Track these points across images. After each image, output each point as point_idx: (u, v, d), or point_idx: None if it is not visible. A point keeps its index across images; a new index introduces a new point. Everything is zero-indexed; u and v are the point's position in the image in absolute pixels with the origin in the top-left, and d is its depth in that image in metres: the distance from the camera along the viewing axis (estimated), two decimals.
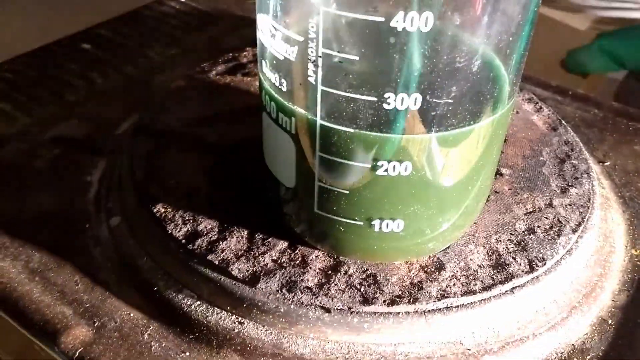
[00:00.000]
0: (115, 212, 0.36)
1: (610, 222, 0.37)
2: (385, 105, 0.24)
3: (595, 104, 0.48)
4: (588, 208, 0.35)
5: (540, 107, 0.43)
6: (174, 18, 0.57)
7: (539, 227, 0.33)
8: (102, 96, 0.47)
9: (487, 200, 0.35)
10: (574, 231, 0.33)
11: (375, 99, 0.24)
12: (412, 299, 0.29)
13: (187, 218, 0.33)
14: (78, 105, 0.46)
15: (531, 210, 0.34)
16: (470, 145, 0.27)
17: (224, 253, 0.31)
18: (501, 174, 0.37)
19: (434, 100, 0.24)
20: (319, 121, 0.26)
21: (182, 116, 0.40)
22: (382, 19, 0.22)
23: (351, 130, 0.25)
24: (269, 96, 0.28)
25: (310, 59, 0.24)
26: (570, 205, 0.35)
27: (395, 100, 0.24)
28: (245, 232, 0.32)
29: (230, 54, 0.46)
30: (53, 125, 0.44)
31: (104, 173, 0.39)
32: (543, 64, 0.82)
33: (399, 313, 0.29)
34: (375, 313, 0.29)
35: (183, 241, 0.32)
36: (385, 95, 0.24)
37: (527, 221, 0.34)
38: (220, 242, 0.31)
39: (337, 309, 0.29)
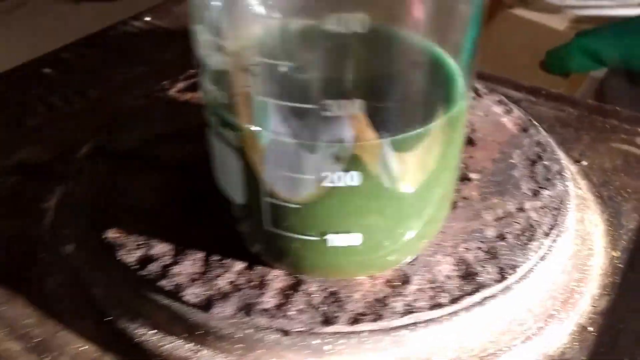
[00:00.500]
0: (70, 239, 0.34)
1: (588, 223, 0.36)
2: (324, 113, 0.23)
3: (570, 102, 0.47)
4: (561, 210, 0.33)
5: (510, 109, 0.41)
6: (138, 37, 0.56)
7: (509, 232, 0.32)
8: (63, 120, 0.45)
9: (455, 207, 0.33)
10: (547, 235, 0.32)
11: (314, 106, 0.23)
12: (375, 316, 0.28)
13: (140, 242, 0.31)
14: (38, 131, 0.45)
15: (501, 215, 0.33)
16: (423, 149, 0.25)
17: (177, 277, 0.29)
18: (469, 179, 0.35)
19: (377, 104, 0.23)
20: (259, 133, 0.24)
21: (140, 136, 0.39)
22: (314, 22, 0.21)
23: (293, 141, 0.24)
24: (210, 110, 0.26)
25: (245, 69, 0.23)
26: (542, 208, 0.33)
27: (335, 107, 0.23)
28: (201, 254, 0.31)
29: (191, 71, 0.45)
30: (11, 152, 0.42)
31: (61, 199, 0.38)
32: (522, 66, 0.81)
33: (362, 332, 0.27)
34: (336, 333, 0.27)
35: (135, 267, 0.30)
36: (324, 103, 0.22)
37: (497, 227, 0.32)
38: (174, 266, 0.30)
39: (296, 331, 0.27)
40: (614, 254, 0.35)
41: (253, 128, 0.24)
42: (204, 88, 0.26)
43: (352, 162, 0.24)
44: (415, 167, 0.26)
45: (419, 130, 0.24)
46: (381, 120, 0.23)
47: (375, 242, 0.27)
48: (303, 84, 0.23)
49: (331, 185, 0.25)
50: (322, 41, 0.21)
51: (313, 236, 0.27)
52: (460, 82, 0.25)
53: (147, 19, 0.59)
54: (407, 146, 0.25)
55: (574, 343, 0.30)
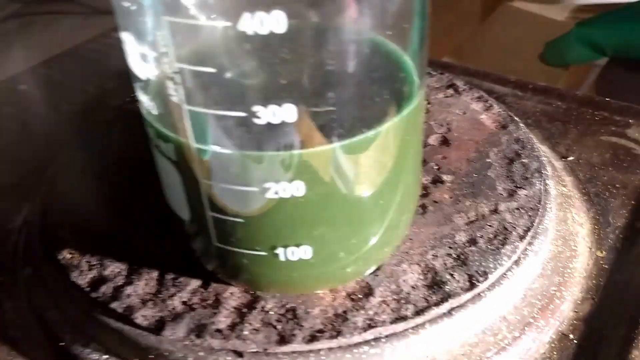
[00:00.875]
0: (28, 261, 0.33)
1: (572, 223, 0.34)
2: (256, 121, 0.21)
3: (557, 95, 0.45)
4: (538, 210, 0.31)
5: (490, 105, 0.39)
6: (118, 50, 0.55)
7: (481, 237, 0.30)
8: (35, 138, 0.44)
9: (425, 212, 0.31)
10: (522, 238, 0.30)
11: (244, 114, 0.21)
12: (334, 333, 0.26)
13: (93, 263, 0.30)
14: (9, 150, 0.43)
15: (474, 219, 0.31)
16: (374, 153, 0.24)
17: (129, 299, 0.28)
18: (442, 182, 0.33)
19: (311, 109, 0.21)
20: (193, 145, 0.23)
21: (104, 152, 0.38)
22: (229, 24, 0.19)
23: (227, 151, 0.22)
24: (146, 122, 0.25)
25: (168, 76, 0.21)
26: (518, 209, 0.31)
27: (265, 114, 0.21)
28: (156, 274, 0.29)
29: None
30: None
31: (25, 220, 0.37)
32: (522, 59, 0.79)
33: (320, 350, 0.26)
34: (293, 352, 0.26)
35: (87, 289, 0.29)
36: (254, 109, 0.21)
37: (468, 232, 0.30)
38: (127, 287, 0.29)
39: (250, 351, 0.26)
40: (600, 254, 0.33)
41: (186, 140, 0.23)
42: (139, 99, 0.25)
43: (297, 172, 0.23)
44: (367, 173, 0.24)
45: (363, 136, 0.23)
46: (326, 124, 0.22)
47: (328, 254, 0.25)
48: (227, 91, 0.21)
49: (276, 197, 0.23)
50: (238, 43, 0.20)
51: (261, 251, 0.25)
52: (406, 81, 0.23)
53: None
54: (356, 151, 0.23)
55: (554, 352, 0.28)
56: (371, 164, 0.24)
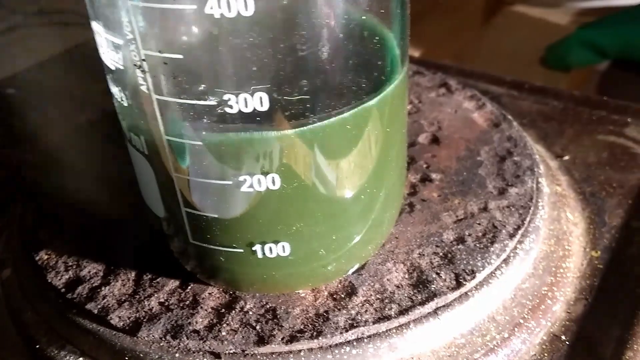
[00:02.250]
0: (7, 263, 0.33)
1: (565, 222, 0.33)
2: (227, 110, 0.20)
3: (553, 95, 0.44)
4: (530, 208, 0.30)
5: (483, 104, 0.38)
6: None
7: (469, 235, 0.29)
8: (20, 140, 0.44)
9: (412, 210, 0.31)
10: (512, 236, 0.29)
11: (214, 103, 0.20)
12: (315, 333, 0.25)
13: (70, 263, 0.29)
14: None
15: (462, 217, 0.30)
16: (350, 143, 0.23)
17: (105, 300, 0.27)
18: (430, 180, 0.32)
19: (284, 97, 0.20)
20: (164, 136, 0.22)
21: (87, 152, 0.37)
22: (194, 7, 0.19)
23: (199, 143, 0.22)
24: (118, 114, 0.24)
25: (135, 64, 0.21)
26: (508, 207, 0.30)
27: (237, 102, 0.20)
28: (133, 274, 0.28)
29: None
30: None
31: (6, 221, 0.36)
32: (523, 63, 0.78)
33: (300, 351, 0.25)
34: (272, 354, 0.25)
35: (62, 290, 0.28)
36: (225, 98, 0.20)
37: (456, 230, 0.29)
38: (103, 288, 0.28)
39: (228, 353, 0.25)
40: (594, 254, 0.32)
41: (157, 131, 0.22)
42: (110, 91, 0.24)
43: (271, 163, 0.22)
44: (345, 163, 0.23)
45: (338, 124, 0.22)
46: (288, 115, 0.21)
47: (308, 252, 0.25)
48: (195, 78, 0.20)
49: (251, 190, 0.22)
50: (204, 27, 0.19)
51: (238, 248, 0.24)
52: (384, 66, 0.22)
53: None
54: (327, 143, 0.22)
55: (544, 354, 0.27)
56: (350, 152, 0.23)
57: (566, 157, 0.39)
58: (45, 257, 0.30)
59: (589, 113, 0.43)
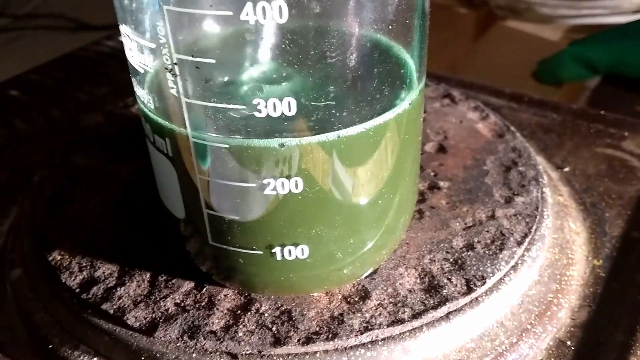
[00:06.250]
0: (16, 263, 0.33)
1: (568, 231, 0.34)
2: (256, 114, 0.21)
3: (552, 108, 0.45)
4: (536, 217, 0.31)
5: (487, 115, 0.39)
6: (110, 58, 0.55)
7: (479, 242, 0.30)
8: (23, 142, 0.44)
9: (422, 217, 0.31)
10: (519, 244, 0.30)
11: (243, 107, 0.21)
12: (330, 335, 0.25)
13: (84, 264, 0.29)
14: None
15: (471, 224, 0.31)
16: (369, 150, 0.23)
17: (120, 300, 0.27)
18: (438, 188, 0.33)
19: (312, 103, 0.21)
20: (191, 139, 0.22)
21: (95, 154, 0.37)
22: (230, 13, 0.19)
23: (226, 146, 0.22)
24: (143, 117, 0.25)
25: (167, 68, 0.21)
26: (515, 215, 0.31)
27: (266, 106, 0.21)
28: (148, 275, 0.29)
29: None
30: None
31: (13, 222, 0.36)
32: (515, 77, 0.79)
33: (316, 352, 0.25)
34: (288, 355, 0.25)
35: (77, 290, 0.28)
36: (254, 102, 0.21)
37: (465, 237, 0.30)
38: (118, 288, 0.28)
39: (245, 353, 0.25)
40: (596, 262, 0.33)
41: (184, 134, 0.22)
42: (136, 93, 0.24)
43: (295, 167, 0.22)
44: (365, 170, 0.24)
45: (363, 131, 0.22)
46: (326, 118, 0.22)
47: (324, 255, 0.25)
48: (227, 83, 0.21)
49: (274, 193, 0.23)
50: (239, 33, 0.19)
51: (257, 250, 0.25)
52: (406, 75, 0.23)
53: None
54: (355, 145, 0.23)
55: (551, 359, 0.28)
56: (370, 160, 0.24)
57: (566, 169, 0.40)
58: (59, 257, 0.30)
59: (587, 126, 0.44)
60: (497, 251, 0.29)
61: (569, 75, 0.74)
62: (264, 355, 0.25)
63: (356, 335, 0.25)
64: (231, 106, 0.21)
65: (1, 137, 0.45)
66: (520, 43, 0.88)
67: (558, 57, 0.74)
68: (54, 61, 0.54)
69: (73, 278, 0.29)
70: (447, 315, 0.27)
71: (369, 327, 0.26)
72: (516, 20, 0.94)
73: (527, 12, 0.94)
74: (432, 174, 0.34)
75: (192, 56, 0.20)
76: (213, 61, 0.20)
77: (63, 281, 0.29)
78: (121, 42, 0.24)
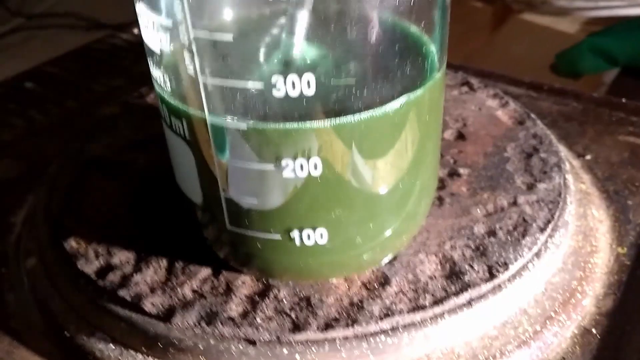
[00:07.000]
0: (32, 252, 0.32)
1: (591, 219, 0.33)
2: (275, 92, 0.20)
3: (574, 96, 0.44)
4: (558, 203, 0.30)
5: (506, 102, 0.39)
6: (124, 50, 0.54)
7: (500, 228, 0.29)
8: (39, 133, 0.44)
9: (442, 204, 0.31)
10: (542, 230, 0.29)
11: (261, 86, 0.20)
12: (350, 321, 0.25)
13: (100, 251, 0.29)
14: (13, 145, 0.43)
15: (492, 211, 0.30)
16: (392, 134, 0.23)
17: (137, 287, 0.27)
18: (459, 175, 0.33)
19: (332, 81, 0.20)
20: (208, 120, 0.22)
21: (111, 143, 0.37)
22: None
23: (244, 125, 0.22)
24: (160, 99, 0.24)
25: (184, 46, 0.21)
26: (537, 202, 0.30)
27: (284, 84, 0.20)
28: (165, 262, 0.28)
29: None
30: None
31: (28, 212, 0.36)
32: (532, 70, 0.78)
33: (335, 339, 0.25)
34: (307, 341, 0.25)
35: (93, 277, 0.28)
36: (272, 80, 0.20)
37: (487, 223, 0.29)
38: (135, 275, 0.28)
39: (263, 340, 0.25)
40: (620, 250, 0.32)
41: (200, 114, 0.22)
42: (152, 75, 0.24)
43: (313, 148, 0.22)
44: (383, 154, 0.23)
45: (383, 111, 0.22)
46: (345, 98, 0.21)
47: (344, 240, 0.25)
48: (244, 60, 0.20)
49: (292, 175, 0.22)
50: (258, 8, 0.19)
51: (275, 234, 0.24)
52: (427, 56, 0.23)
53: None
54: (375, 125, 0.22)
55: (576, 347, 0.27)
56: (390, 143, 0.23)
57: (588, 157, 0.39)
58: (75, 245, 0.30)
59: (609, 114, 0.43)
60: (520, 237, 0.28)
61: (588, 67, 0.73)
62: (283, 341, 0.25)
63: (376, 322, 0.25)
64: (249, 85, 0.21)
65: (17, 128, 0.45)
66: (537, 36, 0.87)
67: (576, 49, 0.73)
68: (69, 54, 0.54)
69: (89, 265, 0.28)
70: (469, 302, 0.26)
71: (390, 314, 0.25)
72: (532, 13, 0.93)
73: (544, 5, 0.93)
74: (452, 161, 0.34)
75: (210, 32, 0.20)
76: (230, 38, 0.20)
77: (79, 268, 0.28)
78: (136, 35, 0.24)
